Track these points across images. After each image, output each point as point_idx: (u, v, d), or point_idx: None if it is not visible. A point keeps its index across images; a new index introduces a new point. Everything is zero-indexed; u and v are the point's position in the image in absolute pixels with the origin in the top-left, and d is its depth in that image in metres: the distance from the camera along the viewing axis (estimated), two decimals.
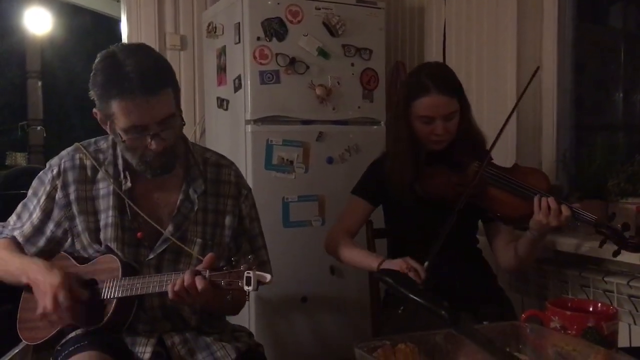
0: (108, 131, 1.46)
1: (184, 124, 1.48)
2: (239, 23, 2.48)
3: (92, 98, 1.42)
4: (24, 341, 1.78)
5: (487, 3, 2.52)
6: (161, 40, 2.97)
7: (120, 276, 1.39)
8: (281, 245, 2.38)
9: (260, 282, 1.25)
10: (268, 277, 1.25)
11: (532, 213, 1.67)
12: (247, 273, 1.25)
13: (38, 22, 7.83)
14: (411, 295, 1.07)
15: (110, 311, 1.38)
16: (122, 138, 1.40)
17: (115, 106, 1.35)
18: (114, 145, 1.53)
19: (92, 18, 7.57)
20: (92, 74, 1.40)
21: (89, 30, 8.51)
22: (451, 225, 1.70)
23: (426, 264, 1.66)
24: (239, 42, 2.49)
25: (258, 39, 2.44)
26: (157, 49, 2.89)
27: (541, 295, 2.21)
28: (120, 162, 1.50)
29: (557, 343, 1.09)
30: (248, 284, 1.25)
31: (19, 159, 7.62)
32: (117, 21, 5.76)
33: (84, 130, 9.67)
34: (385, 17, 2.73)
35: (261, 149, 2.46)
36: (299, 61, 2.50)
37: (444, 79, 1.81)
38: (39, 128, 8.69)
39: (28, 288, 1.49)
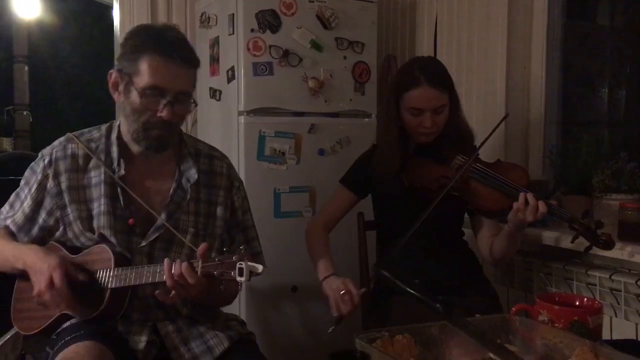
0: (116, 96, 1.47)
1: (195, 107, 1.51)
2: (233, 14, 2.49)
3: (116, 65, 1.46)
4: (15, 329, 1.81)
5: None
6: None
7: (113, 266, 1.41)
8: (272, 235, 2.41)
9: (252, 273, 1.26)
10: (260, 267, 1.27)
11: (512, 207, 1.72)
12: (240, 264, 1.26)
13: (26, 7, 7.74)
14: (408, 289, 1.11)
15: (105, 301, 1.39)
16: (136, 99, 1.41)
17: (145, 62, 1.39)
18: (107, 134, 1.55)
19: (81, 3, 7.50)
20: (124, 38, 1.45)
21: (78, 15, 8.43)
22: (423, 218, 1.70)
23: (363, 289, 1.74)
24: (233, 33, 2.51)
25: (252, 30, 2.46)
26: None
27: (526, 287, 2.27)
28: (114, 149, 1.52)
29: (545, 335, 1.15)
30: (240, 274, 1.26)
31: (5, 144, 7.55)
32: (107, 7, 5.73)
33: (71, 116, 9.62)
34: (378, 11, 2.75)
35: (254, 140, 2.49)
36: (292, 53, 2.52)
37: (435, 73, 1.85)
38: (25, 113, 8.63)
39: (22, 278, 1.51)
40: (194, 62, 1.46)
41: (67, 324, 1.45)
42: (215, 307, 1.62)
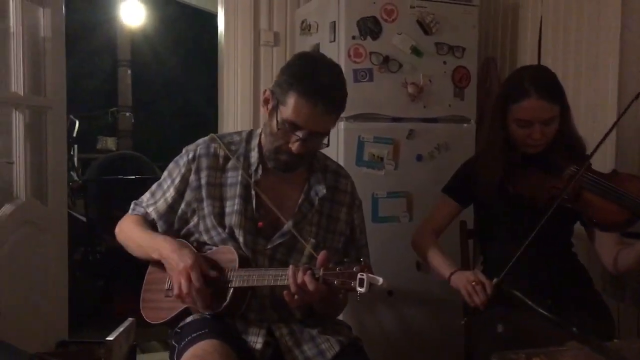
0: (263, 110, 1.57)
1: (327, 146, 1.57)
2: (335, 22, 2.54)
3: (276, 81, 1.54)
4: (130, 320, 1.92)
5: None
6: (255, 36, 3.07)
7: (237, 267, 1.48)
8: (369, 240, 2.42)
9: (372, 285, 1.29)
10: (380, 280, 1.28)
11: (629, 221, 1.63)
12: (360, 275, 1.29)
13: (132, 14, 8.25)
14: (541, 310, 1.09)
15: (228, 299, 1.47)
16: (275, 125, 1.50)
17: (292, 98, 1.46)
18: (247, 139, 1.65)
19: (181, 10, 7.87)
20: (288, 62, 1.54)
21: (178, 22, 8.84)
22: (537, 229, 1.67)
23: (495, 280, 1.68)
24: (334, 40, 2.55)
25: (353, 37, 2.50)
26: (251, 45, 3.05)
27: (638, 302, 2.15)
28: (253, 154, 1.61)
29: None
30: (361, 285, 1.28)
31: (109, 144, 8.01)
32: (207, 14, 6.01)
33: (169, 117, 10.09)
34: (479, 14, 2.71)
35: (353, 145, 2.52)
36: (392, 59, 2.54)
37: (545, 84, 1.80)
38: (127, 114, 9.13)
39: (153, 269, 1.63)
40: (338, 110, 1.51)
41: (190, 318, 1.54)
42: (328, 316, 1.65)
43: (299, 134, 1.48)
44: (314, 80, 1.46)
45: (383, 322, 2.56)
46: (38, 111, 2.71)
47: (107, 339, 1.95)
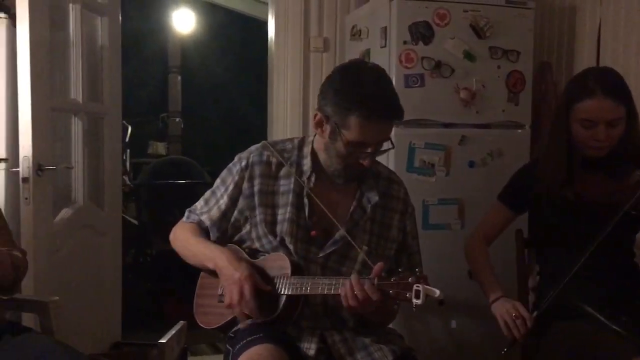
0: (318, 132, 1.56)
1: (393, 147, 1.57)
2: (386, 27, 2.52)
3: (322, 102, 1.51)
4: (181, 324, 1.94)
5: None
6: (305, 42, 3.08)
7: (290, 274, 1.48)
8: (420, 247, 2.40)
9: (428, 297, 1.26)
10: (437, 292, 1.26)
11: None
12: (417, 286, 1.26)
13: (183, 22, 8.45)
14: (615, 327, 1.05)
15: (280, 306, 1.47)
16: (342, 148, 1.49)
17: (355, 121, 1.44)
18: (299, 147, 1.64)
19: (230, 17, 7.98)
20: (332, 79, 1.50)
21: (227, 28, 8.97)
22: (601, 237, 1.62)
23: (535, 313, 1.66)
24: (385, 45, 2.53)
25: (404, 42, 2.47)
26: (301, 51, 3.06)
27: None
28: (305, 162, 1.61)
29: None
30: (417, 297, 1.26)
31: (160, 148, 8.19)
32: (255, 20, 6.08)
33: (217, 122, 10.25)
34: (534, 17, 2.65)
35: (403, 151, 2.49)
36: (444, 64, 2.50)
37: (612, 83, 1.74)
38: (177, 119, 9.31)
39: (206, 275, 1.64)
40: (400, 115, 1.51)
41: (242, 324, 1.55)
42: (380, 324, 1.64)
43: (369, 149, 1.48)
44: (370, 100, 1.44)
45: (433, 331, 2.52)
46: (95, 118, 2.79)
47: (160, 341, 1.98)
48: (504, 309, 1.71)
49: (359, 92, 1.45)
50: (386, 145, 1.54)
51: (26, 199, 2.22)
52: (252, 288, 1.45)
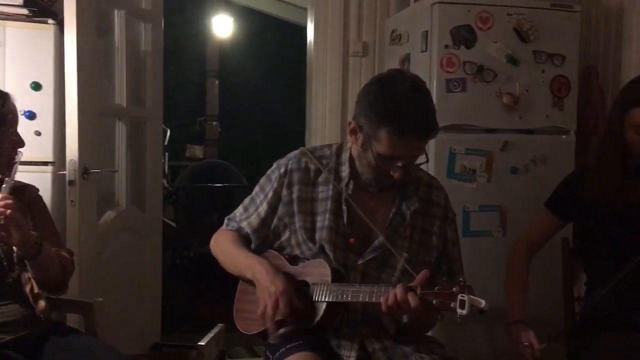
0: (354, 140, 1.55)
1: (427, 161, 1.54)
2: (427, 31, 2.50)
3: (357, 112, 1.50)
4: (220, 327, 1.95)
5: None
6: (345, 47, 3.07)
7: (330, 281, 1.47)
8: None
9: (473, 307, 1.23)
10: (483, 302, 1.23)
11: None
12: (461, 296, 1.24)
13: (221, 27, 8.57)
14: None
15: (321, 313, 1.46)
16: (372, 159, 1.48)
17: (385, 134, 1.43)
18: (337, 153, 1.63)
19: (267, 22, 8.04)
20: (367, 90, 1.49)
21: (265, 33, 9.06)
22: None
23: (544, 345, 1.69)
24: (426, 50, 2.51)
25: (446, 47, 2.44)
26: (340, 56, 3.05)
27: None
28: (343, 168, 1.60)
29: None
30: (462, 307, 1.23)
31: (197, 152, 8.29)
32: (292, 25, 6.11)
33: (254, 126, 10.34)
34: (580, 21, 2.59)
35: (444, 157, 2.46)
36: (486, 69, 2.46)
37: None
38: (214, 123, 9.44)
39: (246, 280, 1.64)
40: (434, 132, 1.47)
41: (282, 330, 1.54)
42: (420, 331, 1.62)
43: (400, 163, 1.46)
44: (402, 117, 1.41)
45: (474, 340, 2.48)
46: (137, 122, 2.84)
47: (199, 343, 2.00)
48: (517, 335, 1.76)
49: (391, 107, 1.42)
50: (421, 159, 1.52)
51: (72, 201, 2.27)
52: (287, 303, 1.44)
